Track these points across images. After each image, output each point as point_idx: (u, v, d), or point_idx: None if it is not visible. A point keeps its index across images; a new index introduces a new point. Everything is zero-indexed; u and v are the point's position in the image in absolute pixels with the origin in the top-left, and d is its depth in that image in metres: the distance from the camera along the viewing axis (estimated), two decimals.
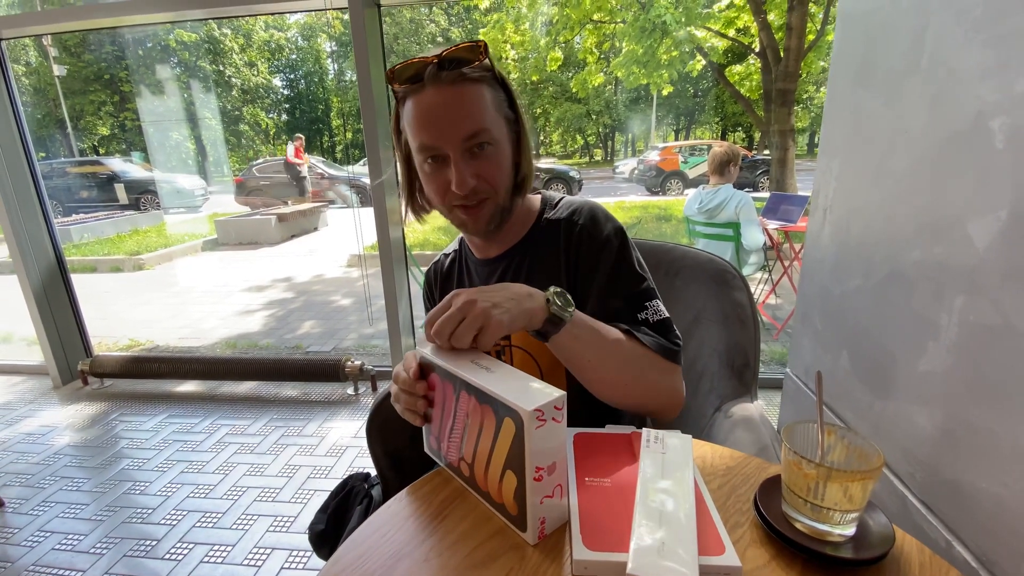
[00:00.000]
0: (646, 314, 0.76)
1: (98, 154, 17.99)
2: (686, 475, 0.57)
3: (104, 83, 17.90)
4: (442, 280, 0.96)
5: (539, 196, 0.88)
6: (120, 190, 10.90)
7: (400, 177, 0.83)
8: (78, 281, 2.86)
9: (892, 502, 1.05)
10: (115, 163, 11.99)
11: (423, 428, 0.67)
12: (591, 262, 0.78)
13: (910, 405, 1.01)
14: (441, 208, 0.78)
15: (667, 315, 0.77)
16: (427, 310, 0.98)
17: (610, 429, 0.70)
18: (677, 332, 0.78)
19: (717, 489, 0.60)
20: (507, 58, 11.12)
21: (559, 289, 0.66)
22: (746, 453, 0.69)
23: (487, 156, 0.71)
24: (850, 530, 0.50)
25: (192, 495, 1.82)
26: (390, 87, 0.73)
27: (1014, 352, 0.77)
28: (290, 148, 10.35)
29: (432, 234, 6.98)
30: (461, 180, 0.70)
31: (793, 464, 0.50)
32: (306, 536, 1.39)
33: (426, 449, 0.69)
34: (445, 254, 0.98)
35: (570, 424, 0.56)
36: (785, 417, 1.67)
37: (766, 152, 10.41)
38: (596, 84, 10.06)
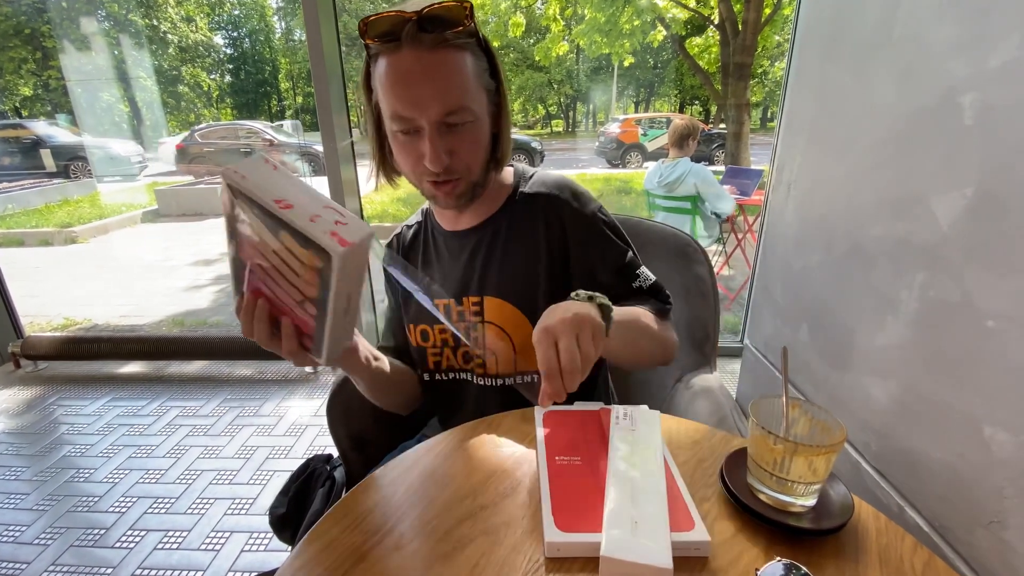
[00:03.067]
0: (639, 282, 0.78)
1: (20, 117, 16.48)
2: (656, 452, 0.58)
3: (24, 38, 16.21)
4: (404, 252, 0.92)
5: (511, 169, 0.85)
6: (46, 156, 10.04)
7: (370, 139, 0.77)
8: (3, 256, 2.64)
9: (846, 469, 1.11)
10: (39, 126, 11.02)
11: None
12: (579, 239, 0.77)
13: (867, 377, 1.06)
14: (411, 178, 0.74)
15: (654, 277, 0.80)
16: (387, 286, 0.93)
17: (579, 406, 0.69)
18: (665, 290, 0.81)
19: (683, 463, 0.61)
20: None
21: (589, 292, 0.63)
22: (706, 423, 0.70)
23: (464, 132, 0.67)
24: (812, 500, 0.51)
25: (142, 480, 1.74)
26: (362, 40, 0.65)
27: (973, 327, 0.80)
28: None
29: (391, 205, 6.80)
30: (435, 157, 0.66)
31: (760, 439, 0.51)
32: (266, 518, 1.36)
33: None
34: (408, 225, 0.93)
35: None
36: (744, 388, 1.73)
37: (722, 126, 10.60)
38: (560, 53, 9.89)
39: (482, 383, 0.83)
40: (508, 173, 0.84)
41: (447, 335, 0.84)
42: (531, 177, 0.83)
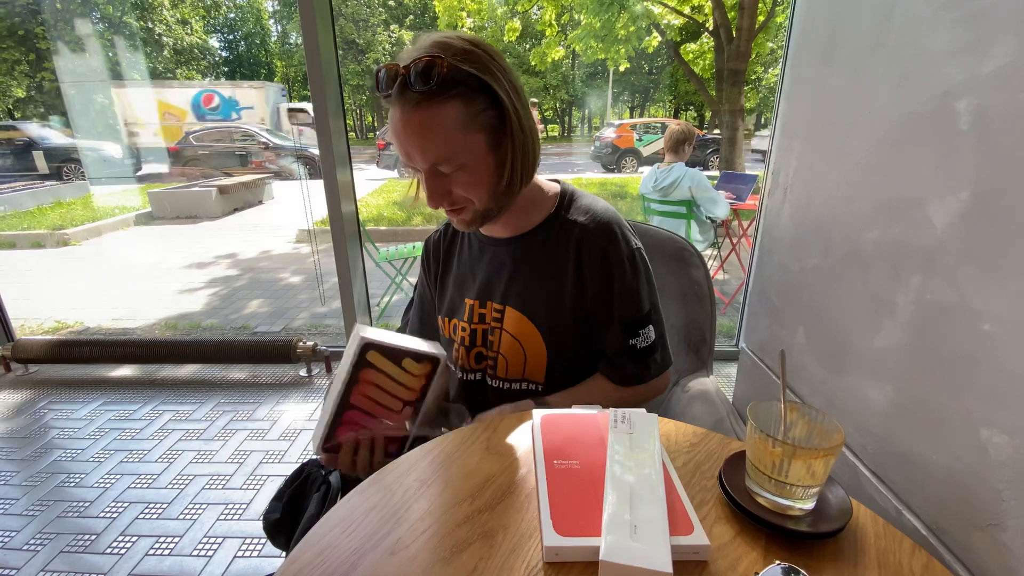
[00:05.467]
0: (637, 341, 0.80)
1: (13, 118, 16.35)
2: (654, 455, 0.57)
3: (18, 40, 16.10)
4: (445, 248, 0.95)
5: (558, 186, 0.85)
6: (39, 158, 9.95)
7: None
8: None
9: (845, 473, 1.11)
10: (32, 128, 10.93)
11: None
12: (600, 280, 0.78)
13: (864, 380, 1.06)
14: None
15: (655, 338, 0.82)
16: (425, 275, 0.99)
17: (576, 410, 0.69)
18: (666, 350, 0.84)
19: (682, 466, 0.61)
20: (463, 27, 10.79)
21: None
22: (703, 426, 0.70)
23: (458, 176, 0.71)
24: (810, 504, 0.51)
25: (134, 485, 1.72)
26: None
27: (969, 330, 0.81)
28: None
29: (387, 208, 6.79)
30: (431, 198, 0.72)
31: (758, 442, 0.51)
32: (260, 524, 1.34)
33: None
34: (448, 223, 0.96)
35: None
36: (741, 391, 1.73)
37: (716, 131, 10.66)
38: (556, 58, 9.93)
39: (495, 385, 0.87)
40: (553, 190, 0.84)
41: (465, 334, 0.88)
42: (576, 202, 0.83)
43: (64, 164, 10.09)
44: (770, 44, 10.80)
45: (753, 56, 9.71)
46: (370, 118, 27.00)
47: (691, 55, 11.22)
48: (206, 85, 13.68)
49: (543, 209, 0.83)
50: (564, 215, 0.81)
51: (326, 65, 1.93)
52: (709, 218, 3.04)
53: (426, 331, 1.00)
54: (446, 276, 0.93)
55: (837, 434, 0.50)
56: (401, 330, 1.02)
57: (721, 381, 2.21)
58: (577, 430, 0.64)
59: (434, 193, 0.71)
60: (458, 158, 0.69)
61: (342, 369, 0.70)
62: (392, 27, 22.08)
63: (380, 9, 21.98)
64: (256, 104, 14.43)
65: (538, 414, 0.67)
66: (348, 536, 0.51)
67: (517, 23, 9.99)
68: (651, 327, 0.81)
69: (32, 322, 3.35)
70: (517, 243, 0.83)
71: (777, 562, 0.45)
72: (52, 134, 10.94)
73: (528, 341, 0.82)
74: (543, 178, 0.86)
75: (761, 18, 7.45)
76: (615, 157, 11.74)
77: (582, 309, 0.80)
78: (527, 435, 0.66)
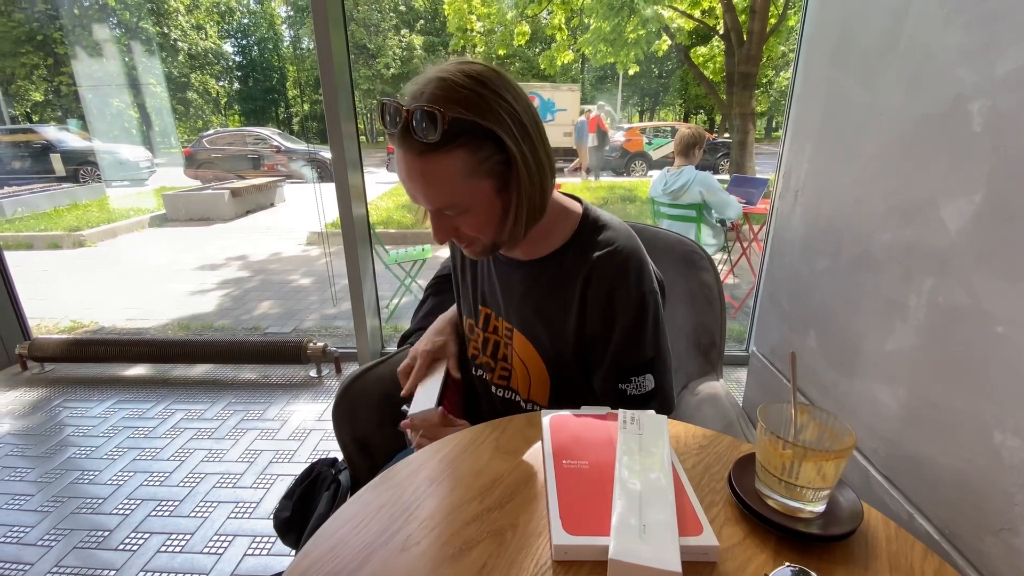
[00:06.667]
0: (627, 387, 0.76)
1: (31, 121, 16.66)
2: (663, 456, 0.57)
3: (37, 44, 16.45)
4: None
5: (579, 208, 0.80)
6: (56, 160, 10.12)
7: None
8: (12, 258, 2.66)
9: (856, 476, 1.10)
10: (50, 131, 11.10)
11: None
12: (600, 320, 0.75)
13: (875, 384, 1.05)
14: None
15: (652, 387, 0.76)
16: (453, 267, 0.97)
17: (585, 411, 0.69)
18: (666, 400, 0.78)
19: (692, 468, 0.61)
20: (473, 30, 10.85)
21: None
22: (712, 429, 0.70)
23: (463, 218, 0.69)
24: (821, 507, 0.51)
25: (146, 483, 1.74)
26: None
27: (982, 333, 0.80)
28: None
29: (396, 212, 6.83)
30: (436, 236, 0.71)
31: (769, 444, 0.51)
32: (270, 522, 1.36)
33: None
34: None
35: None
36: (751, 394, 1.72)
37: (726, 135, 10.61)
38: (565, 62, 9.95)
39: (500, 394, 0.87)
40: (574, 214, 0.80)
41: (479, 341, 0.89)
42: (598, 232, 0.77)
43: (81, 166, 10.26)
44: (782, 47, 10.75)
45: (764, 60, 9.67)
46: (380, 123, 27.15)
47: (701, 58, 11.19)
48: (532, 87, 13.16)
49: (560, 234, 0.78)
50: (580, 246, 0.76)
51: (338, 70, 1.95)
52: (720, 221, 3.03)
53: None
54: (464, 272, 0.92)
55: (848, 437, 0.50)
56: (411, 332, 1.03)
57: (732, 386, 2.19)
58: (586, 431, 0.65)
59: (439, 231, 0.70)
60: (463, 204, 0.67)
61: None
62: (403, 32, 22.25)
63: (391, 14, 22.16)
64: (569, 107, 13.67)
65: (547, 415, 0.68)
66: (359, 532, 0.52)
67: (527, 27, 10.02)
68: (650, 376, 0.76)
69: (48, 321, 3.41)
70: (530, 268, 0.80)
71: (787, 564, 0.45)
72: (69, 137, 11.13)
73: (533, 366, 0.81)
74: (563, 197, 0.81)
75: (773, 21, 7.43)
76: (624, 161, 11.72)
77: (582, 344, 0.77)
78: (536, 435, 0.67)
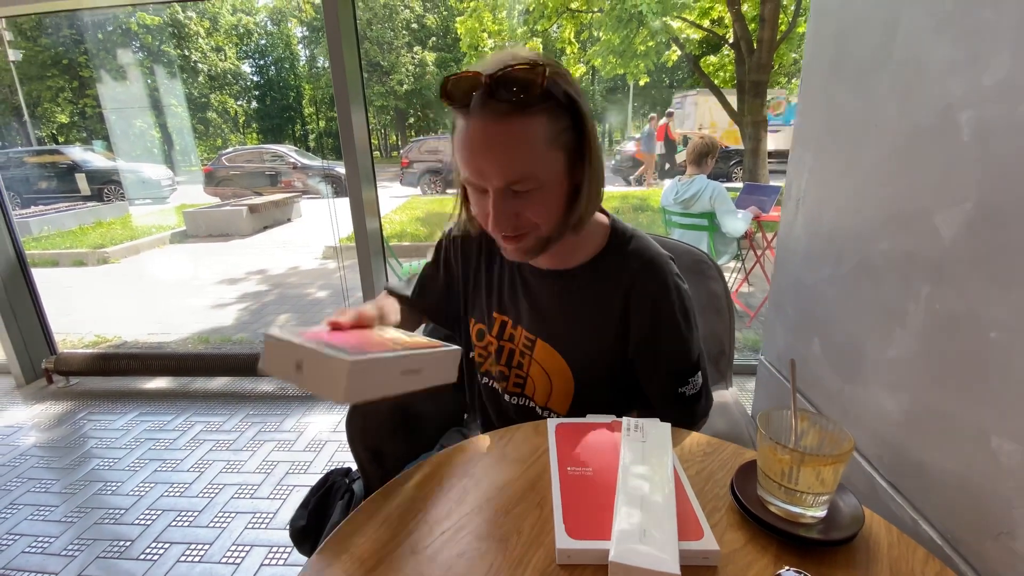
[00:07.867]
0: (686, 389, 0.77)
1: (57, 143, 17.24)
2: (665, 462, 0.59)
3: (62, 68, 17.11)
4: (476, 249, 0.89)
5: (607, 220, 0.80)
6: (81, 180, 10.45)
7: (456, 184, 0.77)
8: (39, 276, 2.75)
9: (861, 483, 1.10)
10: (75, 152, 11.49)
11: None
12: (649, 329, 0.76)
13: (878, 390, 1.05)
14: (484, 226, 0.73)
15: (700, 386, 0.78)
16: (444, 270, 0.92)
17: (591, 418, 0.71)
18: (709, 395, 0.81)
19: (695, 475, 0.62)
20: (484, 47, 11.00)
21: None
22: (721, 438, 0.70)
23: (531, 197, 0.66)
24: (822, 512, 0.52)
25: (166, 494, 1.78)
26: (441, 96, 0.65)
27: (978, 339, 0.80)
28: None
29: (410, 225, 6.91)
30: (498, 220, 0.67)
31: (768, 449, 0.52)
32: (286, 532, 1.38)
33: None
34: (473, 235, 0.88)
35: None
36: (759, 402, 1.71)
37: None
38: (576, 74, 10.01)
39: (514, 402, 0.87)
40: (603, 224, 0.79)
41: (492, 349, 0.86)
42: (628, 242, 0.78)
43: (105, 185, 10.57)
44: (793, 55, 10.71)
45: (775, 67, 9.64)
46: (394, 137, 27.61)
47: (711, 67, 11.20)
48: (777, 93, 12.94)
49: (591, 244, 0.78)
50: (617, 255, 0.77)
51: (352, 87, 2.00)
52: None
53: (431, 311, 0.96)
54: (477, 276, 0.89)
55: (847, 442, 0.50)
56: (402, 298, 0.93)
57: (746, 395, 2.18)
58: (591, 438, 0.66)
59: (501, 216, 0.66)
60: (538, 176, 0.64)
61: None
62: (415, 49, 22.64)
63: (404, 32, 22.57)
64: None
65: (552, 423, 0.69)
66: (369, 537, 0.54)
67: (537, 42, 10.14)
68: (699, 373, 0.78)
69: (73, 336, 3.51)
70: (559, 279, 0.79)
71: (787, 567, 0.46)
72: (94, 157, 11.50)
73: (557, 376, 0.80)
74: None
75: (783, 28, 7.42)
76: (636, 170, 11.71)
77: (622, 353, 0.77)
78: (542, 443, 0.68)
